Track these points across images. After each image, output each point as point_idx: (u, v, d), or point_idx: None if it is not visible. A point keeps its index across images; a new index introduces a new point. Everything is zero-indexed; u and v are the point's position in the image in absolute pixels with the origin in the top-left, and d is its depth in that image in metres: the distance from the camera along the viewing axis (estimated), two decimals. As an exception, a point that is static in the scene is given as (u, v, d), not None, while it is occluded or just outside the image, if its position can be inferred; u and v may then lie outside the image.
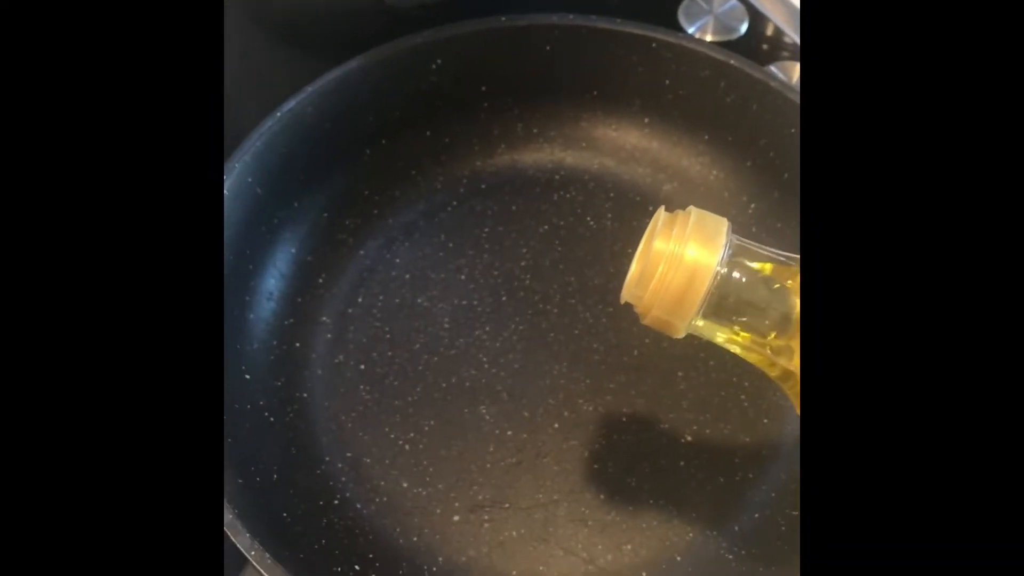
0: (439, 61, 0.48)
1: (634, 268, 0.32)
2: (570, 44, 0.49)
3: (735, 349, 0.33)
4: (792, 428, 0.42)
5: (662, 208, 0.33)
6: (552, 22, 0.48)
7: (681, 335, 0.32)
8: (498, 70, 0.49)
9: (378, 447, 0.42)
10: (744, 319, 0.31)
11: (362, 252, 0.48)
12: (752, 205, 0.48)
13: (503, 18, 0.48)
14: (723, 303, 0.31)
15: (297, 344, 0.45)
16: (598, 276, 0.47)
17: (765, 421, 0.43)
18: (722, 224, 0.31)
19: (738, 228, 0.47)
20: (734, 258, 0.31)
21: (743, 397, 0.43)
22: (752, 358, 0.33)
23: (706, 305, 0.31)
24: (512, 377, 0.44)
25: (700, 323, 0.32)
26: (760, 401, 0.43)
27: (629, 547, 0.39)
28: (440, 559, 0.39)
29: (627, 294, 0.33)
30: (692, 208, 0.32)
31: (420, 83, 0.49)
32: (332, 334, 0.45)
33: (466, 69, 0.49)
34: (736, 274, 0.31)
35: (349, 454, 0.42)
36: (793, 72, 0.53)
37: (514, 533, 0.40)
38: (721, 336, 0.32)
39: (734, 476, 0.41)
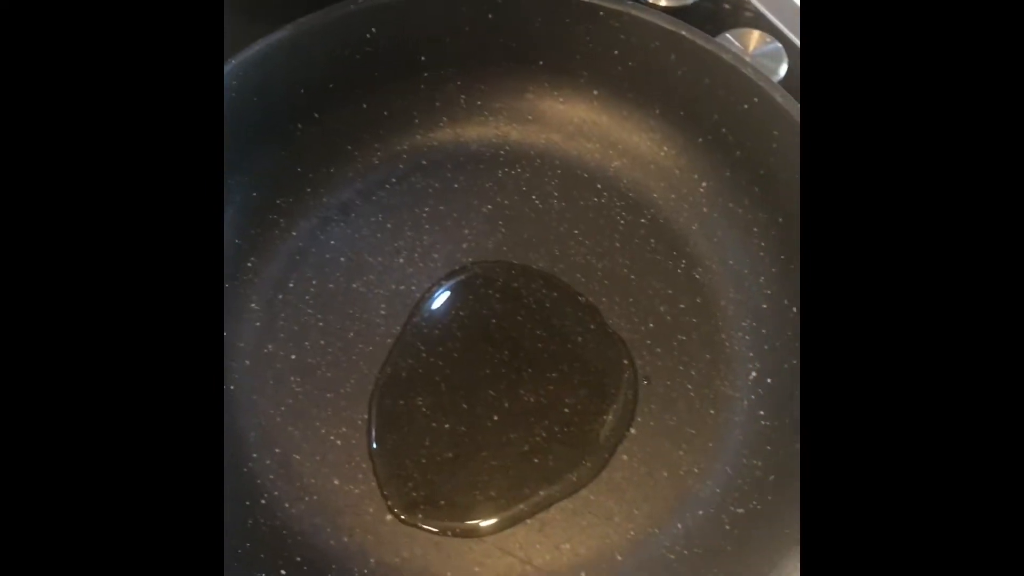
0: (373, 30, 0.45)
1: None
2: (514, 11, 0.46)
3: None
4: (739, 419, 0.41)
5: None
6: (494, -12, 0.45)
7: None
8: (437, 39, 0.47)
9: (308, 443, 0.40)
10: None
11: (295, 233, 0.46)
12: (704, 183, 0.46)
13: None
14: None
15: (224, 333, 0.42)
16: (542, 260, 0.45)
17: (712, 412, 0.41)
18: None
19: (689, 206, 0.45)
20: None
21: (689, 387, 0.42)
22: None
23: None
24: (450, 367, 0.42)
25: None
26: (706, 391, 0.42)
27: (568, 546, 0.38)
28: (372, 560, 0.37)
29: None
30: None
31: (354, 53, 0.46)
32: (261, 322, 0.43)
33: (403, 38, 0.46)
34: None
35: (277, 450, 0.40)
36: (750, 40, 0.51)
37: (449, 532, 0.38)
38: None
39: (678, 470, 0.40)
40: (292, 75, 0.45)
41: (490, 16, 0.46)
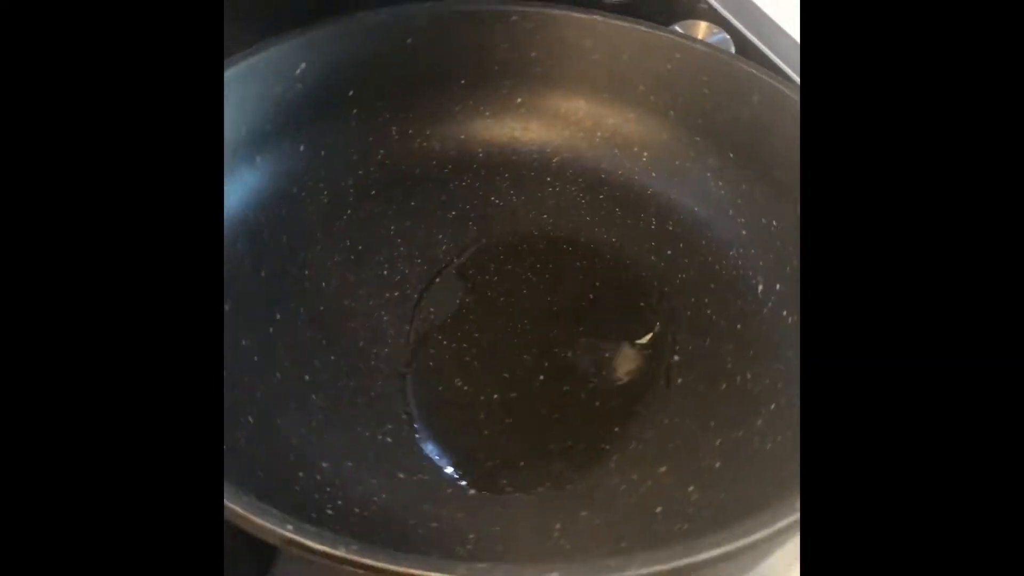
0: (303, 64, 0.45)
1: None
2: (430, 34, 0.48)
3: None
4: (767, 325, 0.41)
5: None
6: (410, 12, 0.47)
7: None
8: (363, 70, 0.47)
9: (356, 448, 0.36)
10: None
11: (263, 274, 0.42)
12: (644, 153, 0.49)
13: (358, 15, 0.46)
14: None
15: (224, 367, 0.38)
16: (524, 242, 0.45)
17: (738, 327, 0.41)
18: None
19: (639, 175, 0.47)
20: None
21: (709, 311, 0.42)
22: None
23: None
24: (476, 346, 0.40)
25: None
26: (726, 311, 0.42)
27: (664, 468, 0.36)
28: (471, 535, 0.33)
29: None
30: None
31: (287, 91, 0.45)
32: (259, 355, 0.39)
33: (331, 71, 0.46)
34: None
35: (325, 464, 0.35)
36: (697, 31, 0.55)
37: (540, 489, 0.35)
38: None
39: (735, 379, 0.39)
40: (233, 115, 0.43)
41: (409, 41, 0.48)
